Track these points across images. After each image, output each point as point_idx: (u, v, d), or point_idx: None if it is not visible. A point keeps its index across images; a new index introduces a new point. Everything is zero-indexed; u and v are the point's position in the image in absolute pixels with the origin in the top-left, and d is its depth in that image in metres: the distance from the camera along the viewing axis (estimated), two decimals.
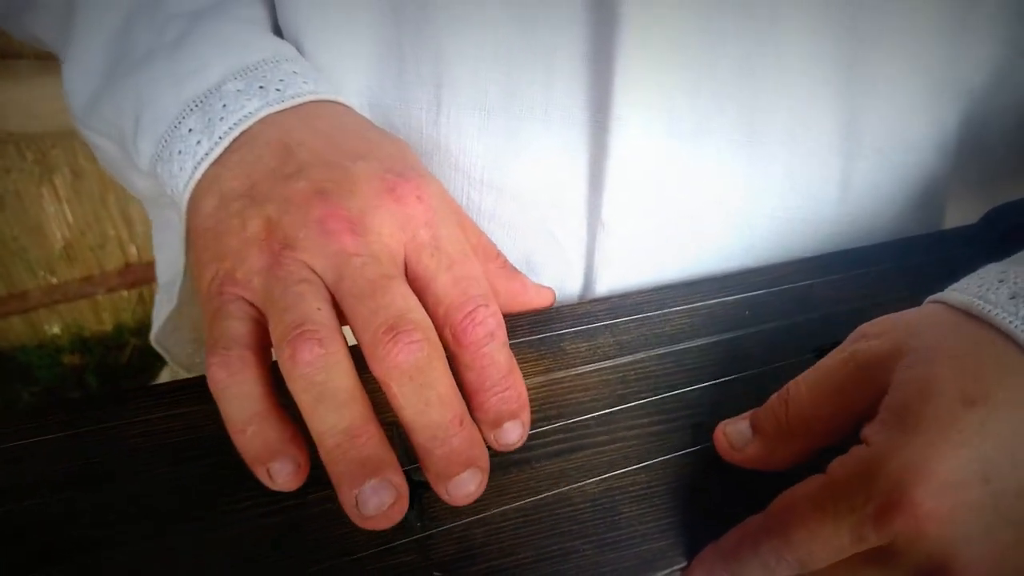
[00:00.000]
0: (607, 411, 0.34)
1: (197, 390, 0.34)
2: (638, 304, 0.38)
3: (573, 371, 0.35)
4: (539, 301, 0.37)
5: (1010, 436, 0.25)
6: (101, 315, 1.88)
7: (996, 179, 0.48)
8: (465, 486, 0.29)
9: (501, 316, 0.30)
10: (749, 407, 0.34)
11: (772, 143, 0.40)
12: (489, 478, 0.31)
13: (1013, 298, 0.27)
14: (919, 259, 0.42)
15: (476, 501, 0.31)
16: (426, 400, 0.27)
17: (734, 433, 0.32)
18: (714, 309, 0.38)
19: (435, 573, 0.29)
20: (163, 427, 0.33)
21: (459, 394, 0.29)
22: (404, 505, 0.28)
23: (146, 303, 1.91)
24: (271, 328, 0.28)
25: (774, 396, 0.31)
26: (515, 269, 0.37)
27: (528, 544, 0.30)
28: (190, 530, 0.30)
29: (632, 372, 0.35)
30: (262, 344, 0.29)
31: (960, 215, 0.47)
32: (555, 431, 0.33)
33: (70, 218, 1.69)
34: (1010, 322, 0.26)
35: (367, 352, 0.28)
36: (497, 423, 0.30)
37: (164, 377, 1.74)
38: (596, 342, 0.37)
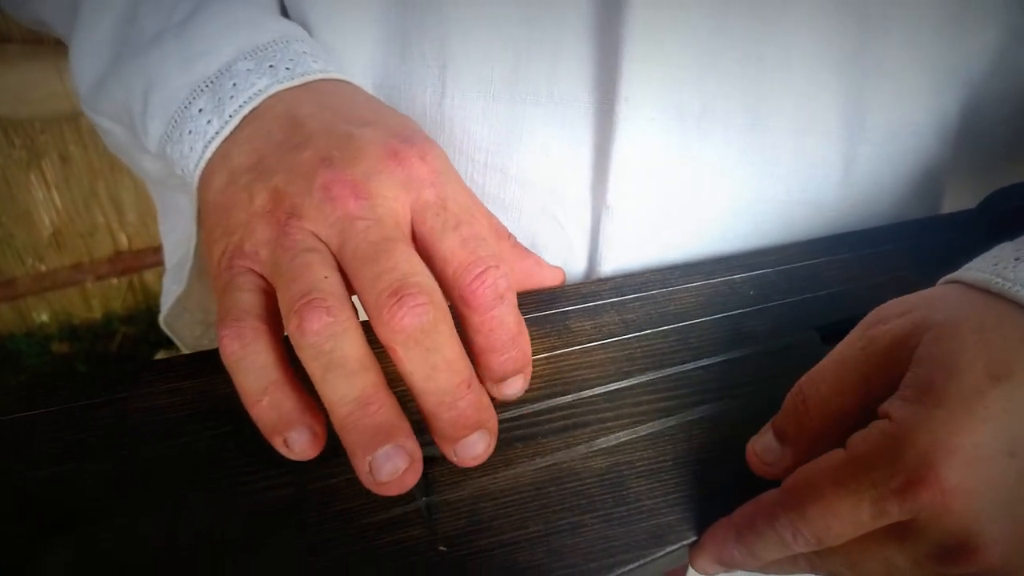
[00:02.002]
0: (613, 387, 0.34)
1: (200, 365, 0.34)
2: (643, 283, 0.38)
3: (579, 348, 0.35)
4: (551, 279, 0.38)
5: None
6: (90, 303, 1.87)
7: (993, 164, 0.48)
8: (473, 448, 0.29)
9: (511, 277, 0.30)
10: (752, 383, 0.35)
11: (777, 128, 0.40)
12: (496, 453, 0.32)
13: None
14: (919, 241, 0.43)
15: (483, 472, 0.31)
16: (432, 364, 0.27)
17: (764, 450, 0.31)
18: (719, 288, 0.39)
19: (440, 547, 0.29)
20: (166, 401, 0.33)
21: (466, 357, 0.28)
22: (418, 470, 0.28)
23: (136, 291, 1.89)
24: (279, 299, 0.28)
25: (789, 398, 0.30)
26: (526, 248, 0.37)
27: (536, 518, 0.30)
28: (194, 503, 0.30)
29: (638, 349, 0.36)
30: (273, 315, 0.29)
31: (958, 199, 0.48)
32: (561, 407, 0.33)
33: (59, 205, 1.68)
34: None
35: (371, 316, 0.27)
36: (501, 380, 0.30)
37: None
38: (602, 320, 0.37)
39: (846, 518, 0.26)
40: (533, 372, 0.34)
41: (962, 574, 0.26)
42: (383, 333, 0.27)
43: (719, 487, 0.31)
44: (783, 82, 0.39)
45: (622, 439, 0.33)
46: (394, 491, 0.28)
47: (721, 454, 0.33)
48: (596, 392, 0.34)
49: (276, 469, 0.31)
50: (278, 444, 0.28)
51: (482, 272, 0.29)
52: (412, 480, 0.28)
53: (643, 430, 0.33)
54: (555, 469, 0.32)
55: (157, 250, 1.84)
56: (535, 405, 0.33)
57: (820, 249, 0.41)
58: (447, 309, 0.28)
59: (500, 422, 0.33)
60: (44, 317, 1.84)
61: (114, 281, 1.84)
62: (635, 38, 0.36)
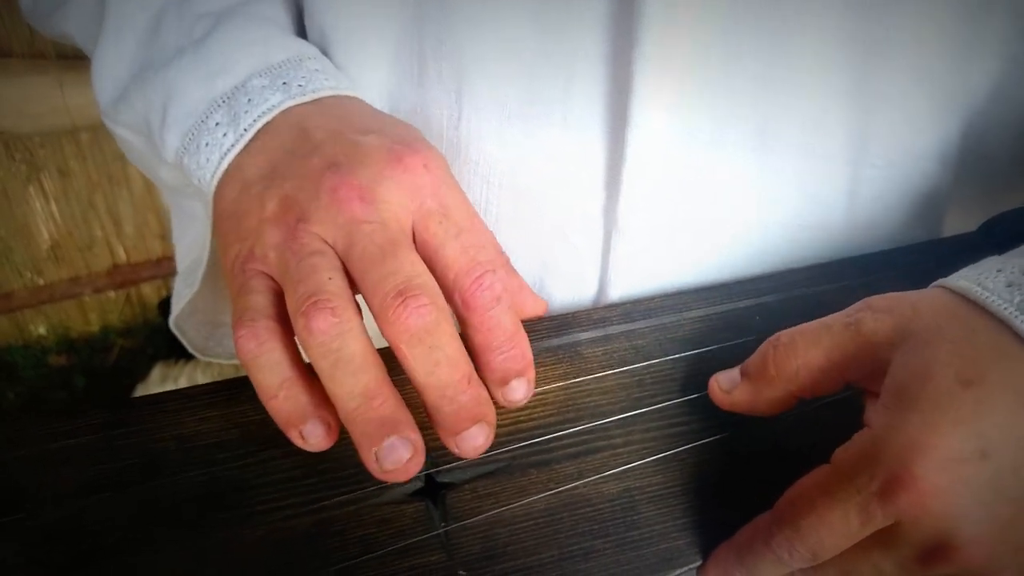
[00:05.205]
0: (625, 414, 0.35)
1: (226, 394, 0.35)
2: (653, 309, 0.39)
3: (591, 375, 0.36)
4: (532, 306, 0.38)
5: (1006, 414, 0.26)
6: (88, 316, 1.86)
7: (994, 189, 0.49)
8: (473, 439, 0.30)
9: (507, 281, 0.31)
10: None
11: (784, 152, 0.41)
12: (511, 479, 0.32)
13: (1009, 286, 0.28)
14: (921, 267, 0.43)
15: (498, 499, 0.32)
16: (435, 361, 0.28)
17: (725, 378, 0.34)
18: (727, 315, 0.39)
19: (460, 572, 0.30)
20: (193, 430, 0.33)
21: (466, 354, 0.30)
22: (421, 459, 0.29)
23: (133, 304, 1.89)
24: (287, 300, 0.29)
25: (764, 343, 0.32)
26: (516, 271, 0.38)
27: (550, 543, 0.31)
28: (220, 531, 0.30)
29: (648, 376, 0.36)
30: (286, 314, 0.30)
31: (959, 223, 0.48)
32: (574, 434, 0.34)
33: (57, 218, 1.67)
34: (1004, 308, 0.28)
35: (377, 316, 0.29)
36: (504, 381, 0.31)
37: (153, 378, 1.73)
38: (612, 347, 0.37)
39: (836, 528, 0.27)
40: (547, 399, 0.35)
41: (946, 575, 0.26)
42: (388, 332, 0.28)
43: (726, 511, 0.32)
44: (790, 107, 0.40)
45: (633, 465, 0.33)
46: (399, 478, 0.29)
47: (728, 479, 0.33)
48: (608, 419, 0.35)
49: (300, 497, 0.31)
50: (294, 436, 0.30)
51: (480, 276, 0.30)
52: (415, 468, 0.29)
53: (653, 456, 0.34)
54: (568, 495, 0.32)
55: (155, 263, 1.84)
56: (549, 432, 0.34)
57: (823, 275, 0.42)
58: (448, 310, 0.29)
59: (515, 450, 0.33)
60: (41, 330, 1.83)
61: (112, 294, 1.84)
62: (647, 63, 0.37)
